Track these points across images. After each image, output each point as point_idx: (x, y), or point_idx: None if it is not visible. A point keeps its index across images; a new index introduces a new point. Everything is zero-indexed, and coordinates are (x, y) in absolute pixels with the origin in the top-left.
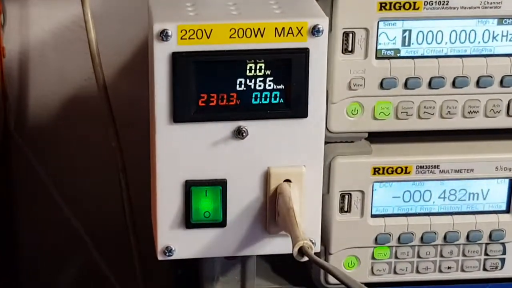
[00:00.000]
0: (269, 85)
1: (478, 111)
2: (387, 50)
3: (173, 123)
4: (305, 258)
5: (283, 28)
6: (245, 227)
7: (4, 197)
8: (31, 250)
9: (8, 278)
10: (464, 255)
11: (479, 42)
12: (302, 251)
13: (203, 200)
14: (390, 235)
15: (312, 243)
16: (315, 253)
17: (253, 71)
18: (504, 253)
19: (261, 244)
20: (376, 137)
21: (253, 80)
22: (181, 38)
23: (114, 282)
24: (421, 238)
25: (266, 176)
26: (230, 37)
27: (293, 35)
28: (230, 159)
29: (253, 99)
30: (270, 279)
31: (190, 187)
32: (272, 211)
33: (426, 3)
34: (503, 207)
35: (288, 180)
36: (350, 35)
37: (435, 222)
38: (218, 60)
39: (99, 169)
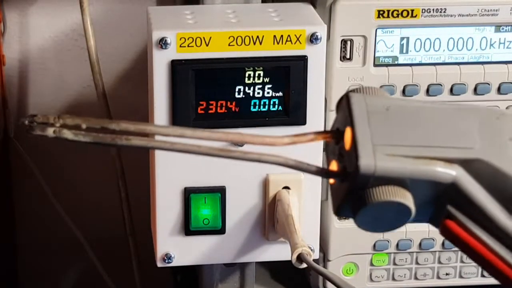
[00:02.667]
0: (268, 93)
1: None
2: (385, 57)
3: None
4: (304, 265)
5: (282, 36)
6: (244, 234)
7: (3, 204)
8: (31, 257)
9: (7, 284)
10: (462, 261)
11: (476, 49)
12: (300, 258)
13: (202, 207)
14: (388, 241)
15: (311, 249)
16: (314, 260)
17: (251, 78)
18: None
19: (260, 251)
20: None
21: (251, 88)
22: (180, 46)
23: None
24: (419, 244)
25: (265, 183)
26: (229, 45)
27: (292, 43)
28: (229, 166)
29: (251, 107)
30: (269, 286)
31: (189, 194)
32: (271, 218)
33: (423, 11)
34: None
35: (287, 187)
36: (348, 42)
37: (432, 229)
38: (217, 67)
39: (98, 176)
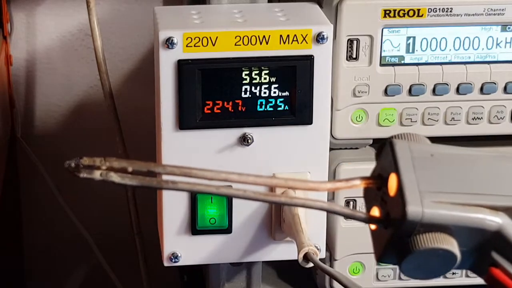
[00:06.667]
0: (274, 92)
1: (482, 118)
2: (391, 57)
3: (179, 130)
4: (310, 264)
5: (288, 36)
6: (251, 234)
7: (11, 203)
8: (37, 256)
9: (14, 284)
10: None
11: (482, 48)
12: (307, 257)
13: (209, 206)
14: None
15: (317, 249)
16: (320, 259)
17: (258, 78)
18: None
19: (267, 250)
20: None
21: (258, 87)
22: (187, 46)
23: None
24: None
25: None
26: (235, 45)
27: (298, 43)
28: (235, 166)
29: (258, 106)
30: (275, 285)
31: (195, 193)
32: (278, 218)
33: (430, 10)
34: None
35: None
36: (355, 42)
37: None
38: (223, 67)
39: None
